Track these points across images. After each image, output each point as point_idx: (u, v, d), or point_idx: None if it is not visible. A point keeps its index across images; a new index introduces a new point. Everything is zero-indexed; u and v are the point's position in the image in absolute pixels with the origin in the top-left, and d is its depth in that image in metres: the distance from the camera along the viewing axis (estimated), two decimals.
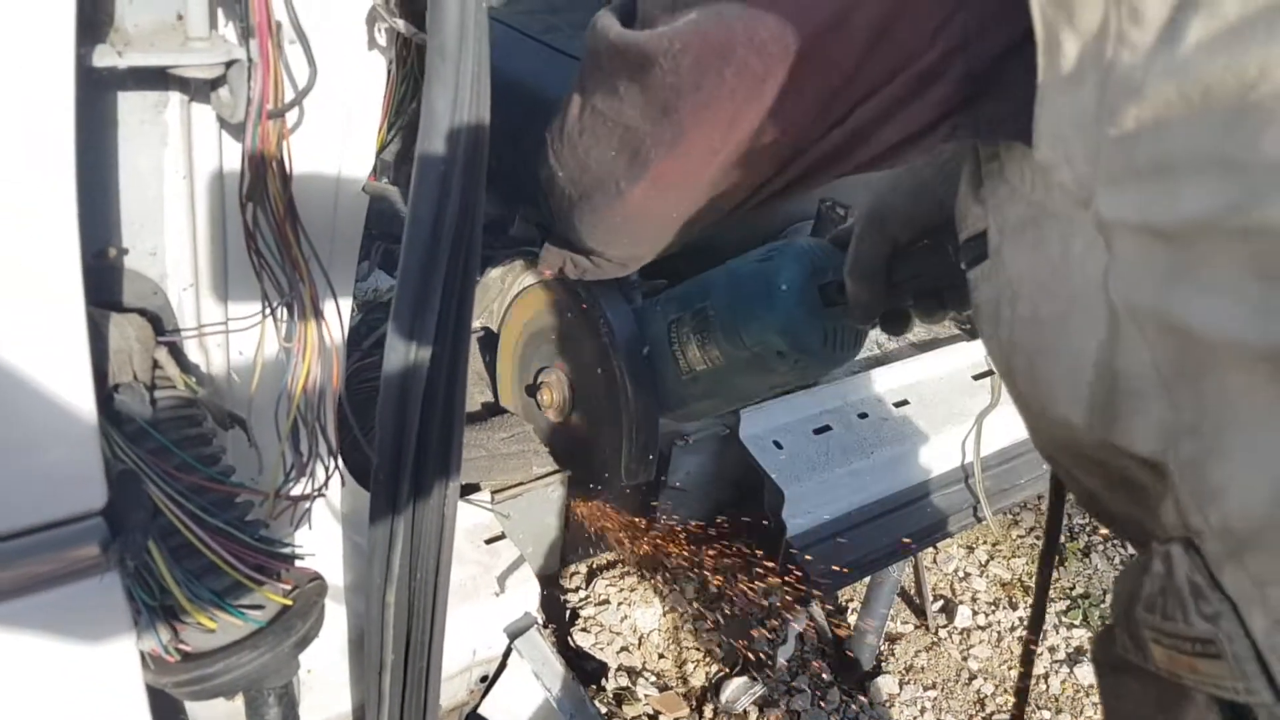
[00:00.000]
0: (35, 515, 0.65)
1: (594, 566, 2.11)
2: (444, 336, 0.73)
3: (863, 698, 1.94)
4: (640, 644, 2.02)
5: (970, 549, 2.35)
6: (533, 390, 1.35)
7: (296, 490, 0.77)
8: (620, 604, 2.07)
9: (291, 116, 0.76)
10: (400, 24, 0.78)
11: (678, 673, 1.96)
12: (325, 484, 0.73)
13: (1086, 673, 2.02)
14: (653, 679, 1.93)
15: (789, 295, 1.04)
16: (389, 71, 0.89)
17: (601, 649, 1.97)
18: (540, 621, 1.19)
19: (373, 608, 0.81)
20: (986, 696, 1.97)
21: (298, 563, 0.81)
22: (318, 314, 0.72)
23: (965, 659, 2.05)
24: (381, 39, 0.88)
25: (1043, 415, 0.56)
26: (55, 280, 0.60)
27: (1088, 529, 2.45)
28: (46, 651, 0.69)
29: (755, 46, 0.65)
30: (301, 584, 0.79)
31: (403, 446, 0.75)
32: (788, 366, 1.08)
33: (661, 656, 1.99)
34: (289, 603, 0.76)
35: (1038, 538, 2.37)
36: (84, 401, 0.64)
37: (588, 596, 2.06)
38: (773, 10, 0.63)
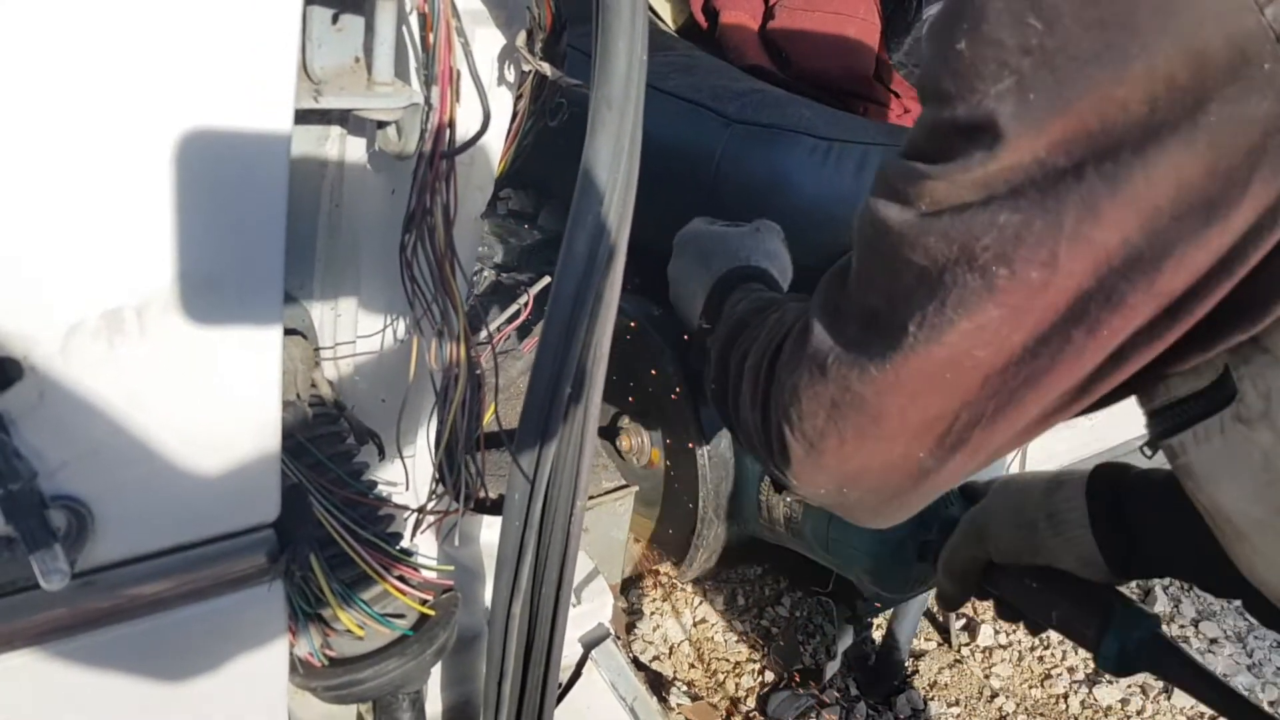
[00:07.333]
0: (221, 525, 0.69)
1: (627, 577, 2.15)
2: (585, 361, 0.78)
3: (889, 712, 1.99)
4: (671, 653, 2.06)
5: None
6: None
7: (439, 507, 0.81)
8: (652, 614, 2.11)
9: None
10: (546, 67, 0.83)
11: (708, 682, 2.00)
12: (468, 503, 0.78)
13: (1105, 693, 2.07)
14: (684, 688, 1.97)
15: (887, 543, 1.04)
16: (515, 107, 0.94)
17: (635, 658, 2.01)
18: (614, 634, 1.23)
19: (497, 619, 0.85)
20: (1008, 714, 2.02)
21: (427, 574, 0.85)
22: (468, 340, 0.77)
23: (987, 677, 2.10)
24: (510, 76, 0.93)
25: None
26: (260, 308, 0.65)
27: None
28: (213, 655, 0.73)
29: None
30: (437, 595, 0.83)
31: (539, 467, 0.79)
32: (866, 580, 1.11)
33: (692, 666, 2.04)
34: (431, 612, 0.80)
35: None
36: (272, 419, 0.68)
37: (623, 608, 2.10)
38: None
